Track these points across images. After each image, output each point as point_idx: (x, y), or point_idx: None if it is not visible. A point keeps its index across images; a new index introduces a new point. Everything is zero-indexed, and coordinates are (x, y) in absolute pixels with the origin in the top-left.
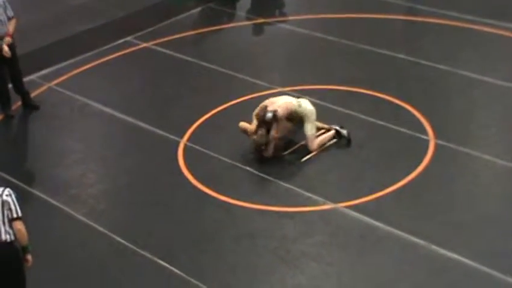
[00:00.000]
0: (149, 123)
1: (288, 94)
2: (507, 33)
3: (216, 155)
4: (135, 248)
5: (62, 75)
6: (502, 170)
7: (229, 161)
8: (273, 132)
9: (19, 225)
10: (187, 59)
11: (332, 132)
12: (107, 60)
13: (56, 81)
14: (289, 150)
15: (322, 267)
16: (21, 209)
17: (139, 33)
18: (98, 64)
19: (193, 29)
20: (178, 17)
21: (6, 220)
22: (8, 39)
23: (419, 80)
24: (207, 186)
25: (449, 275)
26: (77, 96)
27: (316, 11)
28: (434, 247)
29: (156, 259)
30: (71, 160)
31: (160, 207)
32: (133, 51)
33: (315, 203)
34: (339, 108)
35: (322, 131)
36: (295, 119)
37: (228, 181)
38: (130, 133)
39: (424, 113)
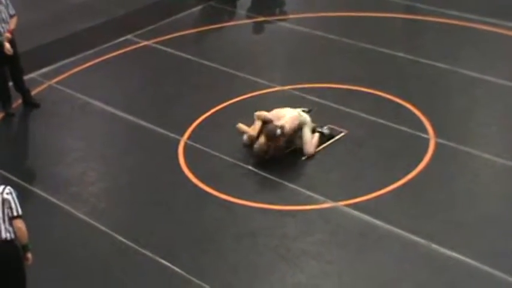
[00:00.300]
0: (150, 121)
1: (289, 92)
2: (507, 32)
3: (216, 154)
4: (136, 246)
5: (62, 73)
6: (502, 169)
7: (230, 159)
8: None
9: (19, 224)
10: (187, 57)
11: (317, 134)
12: (108, 59)
13: (56, 80)
14: (290, 149)
15: (322, 265)
16: (21, 207)
17: (139, 31)
18: (99, 62)
19: (194, 27)
20: (179, 15)
21: (6, 218)
22: (7, 35)
23: (419, 78)
24: (208, 184)
25: (449, 274)
26: (78, 95)
27: (316, 10)
28: (434, 246)
29: (157, 258)
30: (72, 158)
31: (162, 206)
32: (133, 49)
33: (316, 202)
34: (339, 107)
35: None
36: (298, 128)
37: (229, 180)
38: (131, 131)
39: (425, 112)
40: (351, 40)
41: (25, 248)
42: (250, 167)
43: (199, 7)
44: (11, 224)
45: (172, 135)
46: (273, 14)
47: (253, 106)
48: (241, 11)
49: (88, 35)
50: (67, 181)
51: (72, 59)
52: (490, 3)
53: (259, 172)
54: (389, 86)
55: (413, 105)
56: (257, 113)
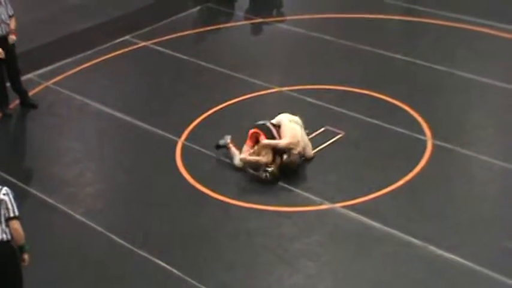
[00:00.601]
0: (147, 122)
1: (286, 93)
2: (504, 34)
3: (213, 155)
4: (132, 247)
5: (60, 74)
6: (499, 171)
7: (227, 160)
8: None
9: (15, 225)
10: (185, 58)
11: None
12: (106, 59)
13: (53, 80)
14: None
15: (319, 266)
16: (18, 207)
17: (137, 32)
18: (96, 63)
19: (192, 29)
20: (177, 16)
21: (2, 219)
22: (13, 37)
23: (416, 80)
24: (205, 185)
25: (446, 276)
26: (75, 95)
27: (314, 11)
28: (431, 247)
29: (153, 258)
30: (69, 159)
31: (158, 206)
32: (131, 50)
33: (313, 203)
34: (336, 108)
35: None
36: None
37: (226, 180)
38: (128, 132)
39: (422, 114)
40: (348, 42)
41: (22, 249)
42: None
43: (197, 8)
44: (7, 225)
45: (169, 136)
46: (271, 16)
47: (251, 107)
48: (239, 12)
49: (86, 36)
50: (64, 182)
51: (69, 59)
52: (487, 6)
53: (253, 173)
54: (386, 88)
55: (411, 106)
56: (265, 142)
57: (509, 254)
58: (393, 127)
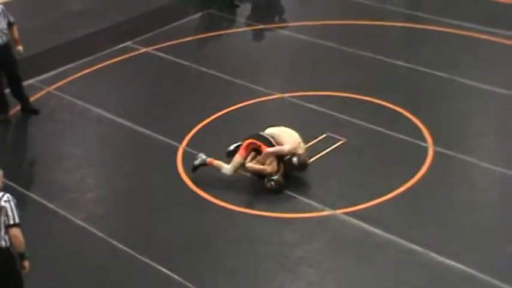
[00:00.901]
0: (148, 128)
1: (287, 100)
2: (505, 41)
3: None
4: (134, 253)
5: (61, 79)
6: (500, 177)
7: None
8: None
9: (15, 232)
10: (187, 64)
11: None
12: (107, 65)
13: (55, 86)
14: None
15: (321, 273)
16: (19, 213)
17: (139, 38)
18: (98, 69)
19: (194, 35)
20: (178, 23)
21: (2, 226)
22: (20, 48)
23: (418, 87)
24: (206, 191)
25: (447, 282)
26: (77, 101)
27: (316, 18)
28: (432, 254)
29: (154, 264)
30: (70, 165)
31: (159, 212)
32: (133, 56)
33: (314, 210)
34: (338, 115)
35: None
36: None
37: (227, 187)
38: (129, 138)
39: (423, 120)
40: (350, 48)
41: (22, 257)
42: (248, 174)
43: (199, 14)
44: (6, 232)
45: (171, 142)
46: (272, 22)
47: (252, 113)
48: (241, 18)
49: (87, 42)
50: (65, 187)
51: (71, 65)
52: (488, 13)
53: (258, 179)
54: (388, 94)
55: (412, 113)
56: (270, 151)
57: (510, 260)
58: (394, 134)
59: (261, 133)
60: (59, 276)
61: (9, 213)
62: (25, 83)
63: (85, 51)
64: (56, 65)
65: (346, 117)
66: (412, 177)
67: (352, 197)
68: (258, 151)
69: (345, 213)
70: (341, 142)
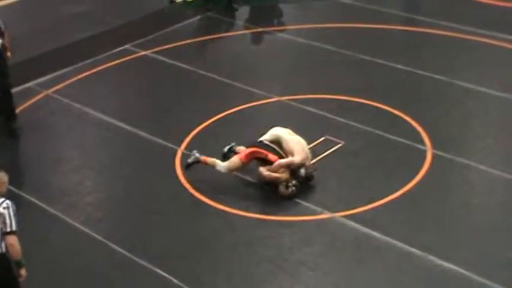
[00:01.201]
0: (147, 131)
1: (286, 103)
2: (504, 44)
3: None
4: (132, 256)
5: (59, 82)
6: (498, 180)
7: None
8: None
9: (11, 240)
10: (185, 67)
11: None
12: (105, 68)
13: (53, 89)
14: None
15: (320, 276)
16: (18, 220)
17: (137, 41)
18: (96, 72)
19: (192, 38)
20: (177, 26)
21: None
22: (8, 54)
23: (417, 90)
24: (205, 194)
25: (446, 286)
26: (75, 104)
27: (315, 21)
28: (431, 257)
29: (152, 267)
30: (68, 168)
31: (158, 215)
32: (131, 59)
33: (313, 213)
34: (337, 118)
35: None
36: None
37: (226, 190)
38: (128, 141)
39: (422, 123)
40: (348, 51)
41: (19, 264)
42: (247, 177)
43: (198, 18)
44: (3, 239)
45: (169, 145)
46: (271, 25)
47: (251, 116)
48: (240, 21)
49: (86, 45)
50: (63, 190)
51: (69, 68)
52: (487, 16)
53: (257, 182)
54: (386, 97)
55: (411, 116)
56: (283, 162)
57: (508, 264)
58: (393, 137)
59: (265, 142)
60: (56, 279)
61: (7, 220)
62: (23, 86)
63: (84, 54)
64: (54, 68)
65: (344, 120)
66: (410, 180)
67: (351, 200)
68: (263, 160)
69: (344, 216)
70: (339, 145)
